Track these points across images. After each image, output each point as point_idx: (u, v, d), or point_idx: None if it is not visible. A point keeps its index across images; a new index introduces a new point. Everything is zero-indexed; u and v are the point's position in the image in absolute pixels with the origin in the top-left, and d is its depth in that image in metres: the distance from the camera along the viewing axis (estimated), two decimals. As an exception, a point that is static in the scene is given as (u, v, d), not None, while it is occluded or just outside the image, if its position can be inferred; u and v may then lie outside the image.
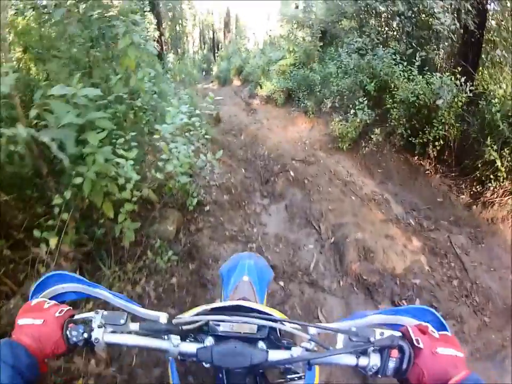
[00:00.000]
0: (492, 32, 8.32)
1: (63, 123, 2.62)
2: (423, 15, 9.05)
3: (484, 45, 7.98)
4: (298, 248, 4.95)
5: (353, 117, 7.85)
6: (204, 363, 0.96)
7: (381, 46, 8.80)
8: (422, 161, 7.15)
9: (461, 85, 6.50)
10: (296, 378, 1.22)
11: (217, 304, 1.07)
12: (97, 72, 3.95)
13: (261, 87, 13.67)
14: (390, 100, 7.50)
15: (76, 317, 1.02)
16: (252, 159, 7.92)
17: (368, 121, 7.78)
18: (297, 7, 15.13)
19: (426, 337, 0.88)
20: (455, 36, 8.14)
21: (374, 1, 9.44)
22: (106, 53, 4.16)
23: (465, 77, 6.55)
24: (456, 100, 6.49)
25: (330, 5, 12.83)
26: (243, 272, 1.87)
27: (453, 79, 6.59)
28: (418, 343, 0.86)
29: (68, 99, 2.80)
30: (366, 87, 8.30)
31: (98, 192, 3.12)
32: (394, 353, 0.88)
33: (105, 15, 3.98)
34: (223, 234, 4.87)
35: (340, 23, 11.89)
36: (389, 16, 9.42)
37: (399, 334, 0.93)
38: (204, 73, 28.22)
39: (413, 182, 6.91)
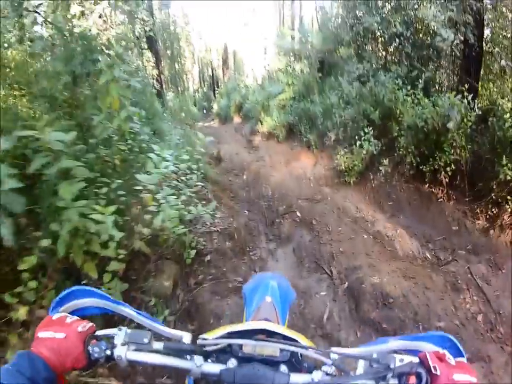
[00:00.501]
0: (491, 42, 8.14)
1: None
2: (422, 34, 8.87)
3: (483, 57, 7.80)
4: (310, 296, 4.56)
5: (358, 149, 7.53)
6: None
7: (382, 71, 8.59)
8: (433, 189, 6.79)
9: (469, 103, 6.19)
10: None
11: (242, 326, 1.07)
12: (78, 112, 3.65)
13: (262, 123, 13.45)
14: (397, 128, 7.21)
15: (98, 332, 1.01)
16: (255, 200, 7.59)
17: (374, 152, 7.45)
18: (293, 39, 14.94)
19: (443, 364, 0.87)
20: (458, 50, 7.84)
21: (371, 24, 9.15)
22: (90, 90, 3.85)
23: (472, 94, 6.26)
24: (465, 119, 6.17)
25: (326, 34, 12.71)
26: (266, 292, 1.86)
27: (459, 97, 6.26)
28: (436, 370, 0.85)
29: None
30: (370, 116, 7.97)
31: (77, 252, 2.77)
32: (412, 379, 0.88)
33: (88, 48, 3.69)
34: (226, 287, 4.46)
35: (337, 51, 11.64)
36: (387, 39, 9.10)
37: (417, 360, 0.92)
38: (204, 111, 28.53)
39: (426, 211, 6.56)
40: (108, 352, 0.95)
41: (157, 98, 11.83)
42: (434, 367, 0.85)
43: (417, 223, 6.29)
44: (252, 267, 5.10)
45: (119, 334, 0.99)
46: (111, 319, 2.19)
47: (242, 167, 10.10)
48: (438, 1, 7.75)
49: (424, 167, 6.66)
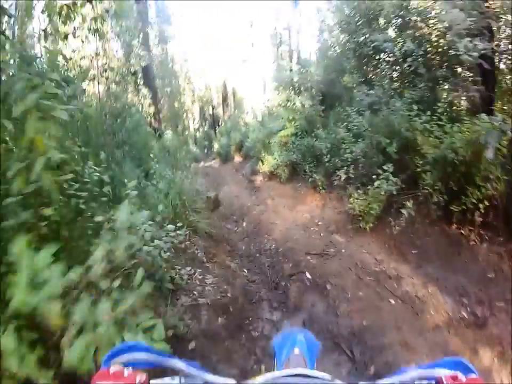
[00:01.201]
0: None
1: None
2: (435, 50, 7.83)
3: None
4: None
5: (375, 189, 6.48)
6: None
7: (396, 96, 7.62)
8: (462, 230, 5.79)
9: (500, 124, 5.23)
10: None
11: (283, 372, 1.14)
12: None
13: (263, 163, 12.58)
14: (420, 161, 6.20)
15: (153, 381, 1.05)
16: (256, 255, 6.57)
17: (394, 192, 6.36)
18: (292, 71, 14.05)
19: (456, 382, 0.95)
20: (475, 66, 6.84)
21: (380, 44, 8.22)
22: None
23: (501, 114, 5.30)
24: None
25: (327, 63, 11.96)
26: (294, 345, 1.86)
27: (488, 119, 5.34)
28: None
29: None
30: (386, 149, 6.92)
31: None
32: None
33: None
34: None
35: (341, 80, 10.72)
36: (397, 59, 8.14)
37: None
38: (206, 150, 28.99)
39: (456, 258, 5.55)
40: None
41: (155, 137, 11.68)
42: None
43: (448, 272, 5.27)
44: (251, 349, 3.97)
45: (173, 383, 1.03)
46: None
47: (242, 213, 9.22)
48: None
49: (454, 206, 5.68)
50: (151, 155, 8.83)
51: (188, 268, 4.91)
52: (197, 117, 39.04)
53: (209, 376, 1.08)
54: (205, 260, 5.48)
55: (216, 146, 24.12)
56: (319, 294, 4.99)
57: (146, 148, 8.69)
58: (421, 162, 6.19)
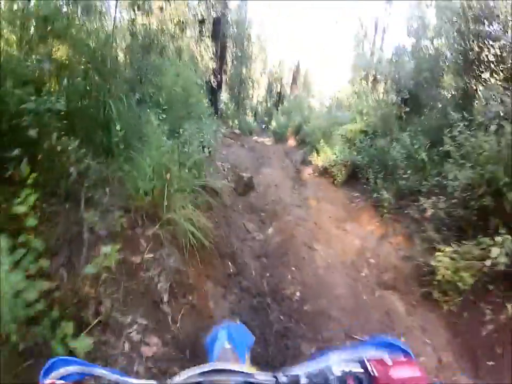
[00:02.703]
0: None
1: None
2: None
3: None
4: None
5: (475, 249, 3.81)
6: None
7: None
8: None
9: None
10: None
11: (205, 367, 1.02)
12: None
13: (318, 153, 9.85)
14: None
15: None
16: (268, 301, 4.02)
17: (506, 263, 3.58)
18: (374, 58, 11.25)
19: (379, 365, 0.88)
20: None
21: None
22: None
23: None
24: None
25: (421, 56, 9.18)
26: (224, 340, 1.76)
27: None
28: (374, 373, 0.86)
29: None
30: (506, 195, 4.12)
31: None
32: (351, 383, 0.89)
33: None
34: None
35: (439, 82, 8.05)
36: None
37: (358, 367, 0.92)
38: (263, 125, 26.92)
39: None
40: None
41: (204, 94, 10.35)
42: (372, 370, 0.87)
43: None
44: None
45: None
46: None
47: (274, 211, 6.90)
48: None
49: None
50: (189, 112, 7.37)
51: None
52: (263, 91, 36.08)
53: (131, 380, 1.00)
54: (165, 298, 3.07)
55: (273, 124, 21.63)
56: None
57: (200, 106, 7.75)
58: None
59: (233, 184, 7.70)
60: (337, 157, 8.90)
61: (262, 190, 8.09)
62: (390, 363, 0.87)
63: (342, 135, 9.88)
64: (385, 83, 10.31)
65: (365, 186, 7.69)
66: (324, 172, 9.45)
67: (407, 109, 8.82)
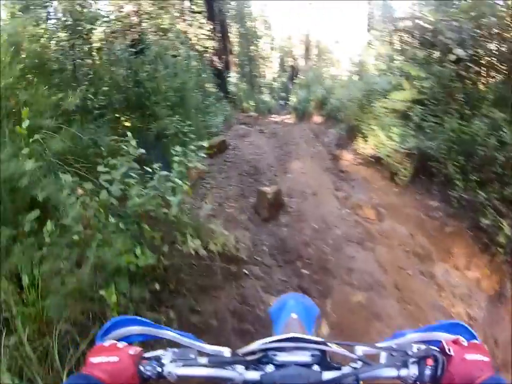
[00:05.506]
0: None
1: None
2: None
3: None
4: None
5: None
6: None
7: None
8: None
9: None
10: None
11: (275, 337, 0.99)
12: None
13: (365, 139, 6.74)
14: None
15: (147, 354, 0.96)
16: None
17: None
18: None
19: (456, 346, 0.87)
20: None
21: None
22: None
23: None
24: None
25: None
26: (291, 310, 1.69)
27: None
28: (450, 352, 0.85)
29: None
30: None
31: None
32: (430, 362, 0.87)
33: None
34: None
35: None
36: None
37: (435, 346, 0.91)
38: (282, 102, 24.11)
39: None
40: (159, 369, 0.91)
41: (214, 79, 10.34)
42: (449, 349, 0.85)
43: None
44: None
45: (167, 353, 0.94)
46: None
47: (320, 260, 4.16)
48: None
49: None
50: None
51: None
52: (275, 67, 32.99)
53: (202, 345, 0.98)
54: None
55: (293, 99, 18.44)
56: None
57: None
58: None
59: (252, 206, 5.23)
60: (396, 144, 5.78)
61: (295, 207, 5.36)
62: (465, 343, 0.86)
63: (386, 108, 6.71)
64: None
65: (443, 188, 4.91)
66: (375, 163, 6.43)
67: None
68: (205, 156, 3.53)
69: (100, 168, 2.77)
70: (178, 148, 3.24)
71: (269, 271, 3.80)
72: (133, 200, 2.73)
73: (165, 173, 3.03)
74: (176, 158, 3.18)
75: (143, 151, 2.98)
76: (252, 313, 3.07)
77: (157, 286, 2.59)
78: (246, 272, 3.57)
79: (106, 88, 5.36)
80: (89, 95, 4.73)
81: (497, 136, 4.41)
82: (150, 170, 3.03)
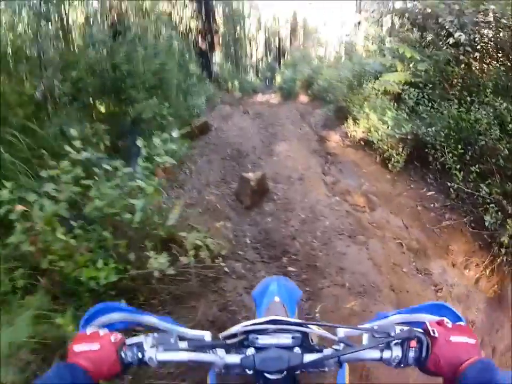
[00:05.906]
0: None
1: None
2: None
3: None
4: None
5: None
6: (247, 370, 0.91)
7: None
8: None
9: None
10: None
11: (255, 320, 0.98)
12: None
13: (356, 123, 6.38)
14: None
15: (128, 341, 0.93)
16: None
17: None
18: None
19: (441, 328, 0.85)
20: None
21: None
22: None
23: None
24: None
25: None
26: (274, 293, 1.69)
27: None
28: (434, 333, 0.83)
29: None
30: None
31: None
32: (413, 343, 0.86)
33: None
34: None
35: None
36: None
37: (418, 328, 0.89)
38: (267, 82, 23.86)
39: None
40: (140, 355, 0.90)
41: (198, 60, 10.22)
42: (433, 331, 0.83)
43: None
44: None
45: (147, 339, 0.93)
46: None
47: (308, 258, 3.77)
48: None
49: None
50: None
51: None
52: (261, 47, 32.01)
53: (183, 329, 0.98)
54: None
55: (278, 79, 18.31)
56: None
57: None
58: None
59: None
60: (389, 127, 5.44)
61: (281, 194, 5.01)
62: (449, 325, 0.84)
63: (378, 90, 6.36)
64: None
65: (440, 176, 4.64)
66: (364, 146, 6.10)
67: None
68: (175, 148, 3.03)
69: (43, 173, 2.36)
70: (140, 142, 2.76)
71: (253, 268, 3.42)
72: (93, 203, 2.35)
73: (128, 169, 2.63)
74: (143, 151, 2.75)
75: (87, 155, 2.54)
76: (233, 321, 2.65)
77: (123, 301, 2.17)
78: (227, 270, 3.18)
79: (76, 73, 4.96)
80: (56, 82, 4.51)
81: (498, 126, 4.11)
82: (110, 168, 2.58)
